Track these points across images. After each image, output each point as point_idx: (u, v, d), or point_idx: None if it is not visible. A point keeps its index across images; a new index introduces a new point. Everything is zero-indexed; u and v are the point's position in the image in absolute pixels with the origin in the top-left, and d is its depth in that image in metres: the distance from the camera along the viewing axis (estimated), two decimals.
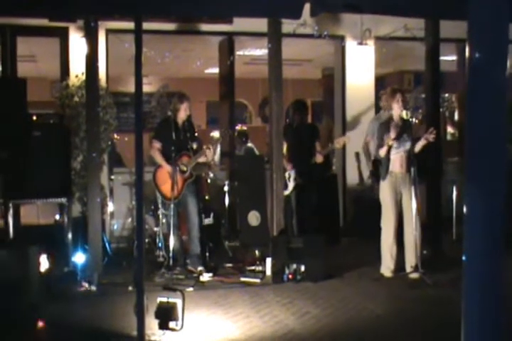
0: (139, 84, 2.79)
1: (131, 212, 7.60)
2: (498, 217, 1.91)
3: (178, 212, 6.60)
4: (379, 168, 6.42)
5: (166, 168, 6.45)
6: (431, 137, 6.12)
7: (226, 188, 7.80)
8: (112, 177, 8.15)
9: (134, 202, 7.54)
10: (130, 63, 2.91)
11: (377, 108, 8.50)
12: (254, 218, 7.16)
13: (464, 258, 1.89)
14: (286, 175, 7.43)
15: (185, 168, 6.53)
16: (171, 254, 6.37)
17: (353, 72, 8.99)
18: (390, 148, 6.22)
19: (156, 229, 7.15)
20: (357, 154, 8.69)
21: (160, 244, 6.84)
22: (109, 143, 7.79)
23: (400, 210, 6.25)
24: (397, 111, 6.27)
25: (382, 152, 6.26)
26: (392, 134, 6.22)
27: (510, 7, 2.05)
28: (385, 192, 6.27)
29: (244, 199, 7.33)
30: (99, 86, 6.69)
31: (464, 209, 1.92)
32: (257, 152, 9.53)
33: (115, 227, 8.09)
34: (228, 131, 8.60)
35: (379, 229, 6.32)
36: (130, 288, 5.59)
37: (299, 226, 7.54)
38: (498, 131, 2.00)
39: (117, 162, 9.02)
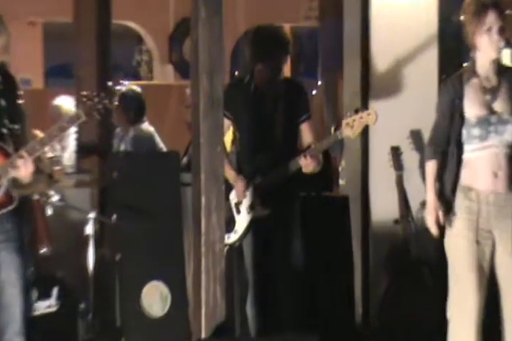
0: None
1: None
2: None
3: None
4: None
5: None
6: None
7: (90, 229, 7.73)
8: None
9: None
10: None
11: (444, 52, 8.68)
12: (155, 299, 7.34)
13: None
14: (232, 197, 7.61)
15: None
16: None
17: None
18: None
19: None
20: (395, 150, 8.80)
21: None
22: None
23: (490, 281, 6.42)
24: (489, 51, 6.38)
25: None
26: (472, 104, 6.33)
27: None
28: (457, 240, 6.43)
29: (133, 256, 7.41)
30: None
31: None
32: (162, 145, 9.80)
33: None
34: (99, 96, 8.46)
35: (444, 323, 6.50)
36: None
37: (259, 317, 7.80)
38: None
39: None
